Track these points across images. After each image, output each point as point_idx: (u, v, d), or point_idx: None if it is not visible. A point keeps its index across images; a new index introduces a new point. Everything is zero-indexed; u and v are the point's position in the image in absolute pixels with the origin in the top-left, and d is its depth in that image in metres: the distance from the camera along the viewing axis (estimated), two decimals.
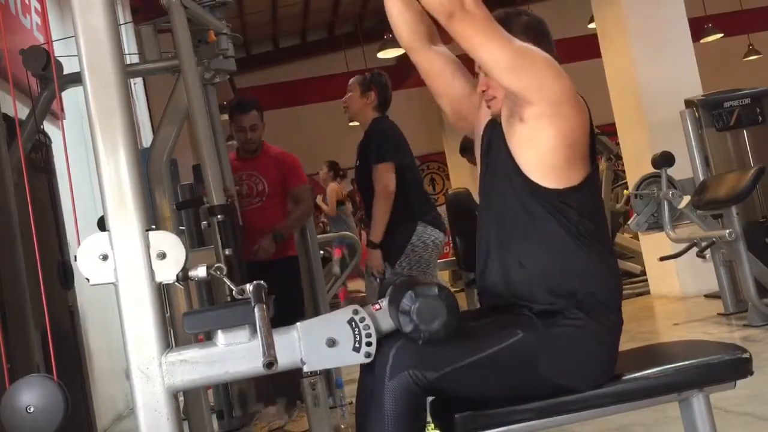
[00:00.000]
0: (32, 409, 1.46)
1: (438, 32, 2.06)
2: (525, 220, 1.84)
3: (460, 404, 1.76)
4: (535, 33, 1.95)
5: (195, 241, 4.51)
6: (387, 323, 1.66)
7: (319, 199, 8.84)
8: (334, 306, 5.27)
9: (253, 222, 4.08)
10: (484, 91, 1.94)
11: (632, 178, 6.76)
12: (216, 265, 1.57)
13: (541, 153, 1.81)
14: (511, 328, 1.75)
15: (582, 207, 1.83)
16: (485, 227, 1.96)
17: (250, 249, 4.02)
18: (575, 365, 1.76)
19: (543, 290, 1.81)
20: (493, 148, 1.94)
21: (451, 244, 7.52)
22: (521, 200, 1.84)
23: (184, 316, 1.58)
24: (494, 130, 1.94)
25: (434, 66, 2.08)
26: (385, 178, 3.92)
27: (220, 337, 1.56)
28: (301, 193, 4.42)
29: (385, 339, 1.63)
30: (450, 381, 1.68)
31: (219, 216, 2.84)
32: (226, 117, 4.53)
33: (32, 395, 1.46)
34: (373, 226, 3.91)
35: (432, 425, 1.83)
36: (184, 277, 1.53)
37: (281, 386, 4.26)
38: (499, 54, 1.75)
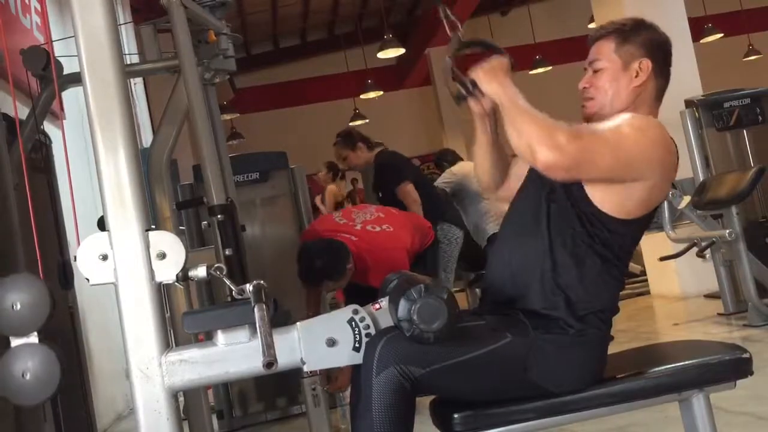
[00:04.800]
0: (18, 306, 1.47)
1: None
2: (554, 218, 1.84)
3: (461, 404, 1.76)
4: (657, 53, 1.97)
5: (195, 241, 4.51)
6: (387, 323, 1.66)
7: (317, 200, 8.82)
8: (334, 307, 5.28)
9: None
10: (585, 88, 1.95)
11: None
12: (216, 265, 1.57)
13: (613, 195, 1.82)
14: (501, 331, 1.75)
15: (617, 234, 1.83)
16: (512, 220, 1.98)
17: None
18: (562, 372, 1.76)
19: (536, 291, 1.81)
20: None
21: None
22: (559, 198, 1.85)
23: (184, 316, 1.58)
24: None
25: (515, 185, 2.08)
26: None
27: (220, 337, 1.56)
28: None
29: (374, 334, 1.64)
30: (436, 379, 1.68)
31: (219, 216, 2.83)
32: (226, 117, 4.53)
33: (19, 293, 1.47)
34: None
35: None
36: (184, 277, 1.54)
37: None
38: (611, 169, 1.77)
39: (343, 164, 5.34)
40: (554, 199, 1.85)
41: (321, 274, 3.54)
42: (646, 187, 1.82)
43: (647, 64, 1.93)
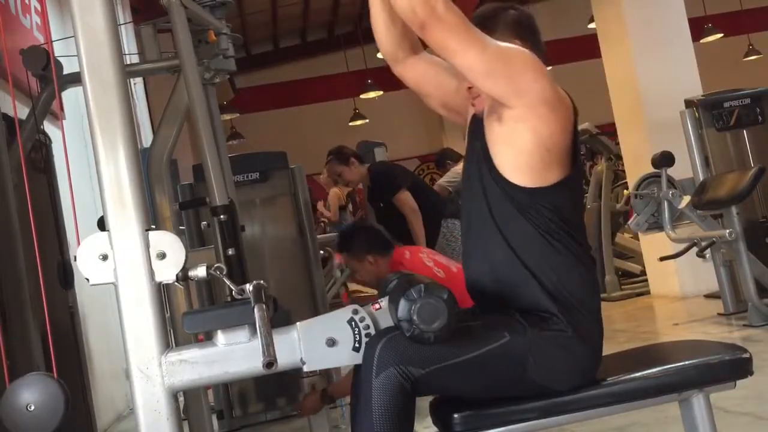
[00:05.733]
0: (33, 407, 1.46)
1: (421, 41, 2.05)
2: (499, 217, 1.83)
3: (461, 404, 1.76)
4: (522, 29, 1.94)
5: (195, 241, 4.51)
6: (387, 323, 1.66)
7: (320, 205, 8.80)
8: (334, 306, 5.30)
9: None
10: (469, 88, 1.93)
11: (632, 178, 6.75)
12: (216, 265, 1.57)
13: (517, 153, 1.80)
14: (499, 331, 1.74)
15: (556, 207, 1.82)
16: (464, 223, 1.97)
17: None
18: (560, 368, 1.76)
19: (517, 290, 1.81)
20: (472, 143, 1.94)
21: None
22: (493, 196, 1.84)
23: (184, 316, 1.58)
24: (477, 124, 1.93)
25: (417, 72, 2.08)
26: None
27: (220, 337, 1.56)
28: None
29: (374, 335, 1.64)
30: (436, 379, 1.67)
31: (222, 216, 2.83)
32: (226, 117, 4.55)
33: (32, 393, 1.46)
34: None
35: None
36: (184, 277, 1.54)
37: None
38: (475, 59, 1.74)
39: (339, 180, 5.41)
40: (486, 186, 1.84)
41: (341, 237, 3.92)
42: (531, 133, 1.77)
43: (516, 44, 1.91)
